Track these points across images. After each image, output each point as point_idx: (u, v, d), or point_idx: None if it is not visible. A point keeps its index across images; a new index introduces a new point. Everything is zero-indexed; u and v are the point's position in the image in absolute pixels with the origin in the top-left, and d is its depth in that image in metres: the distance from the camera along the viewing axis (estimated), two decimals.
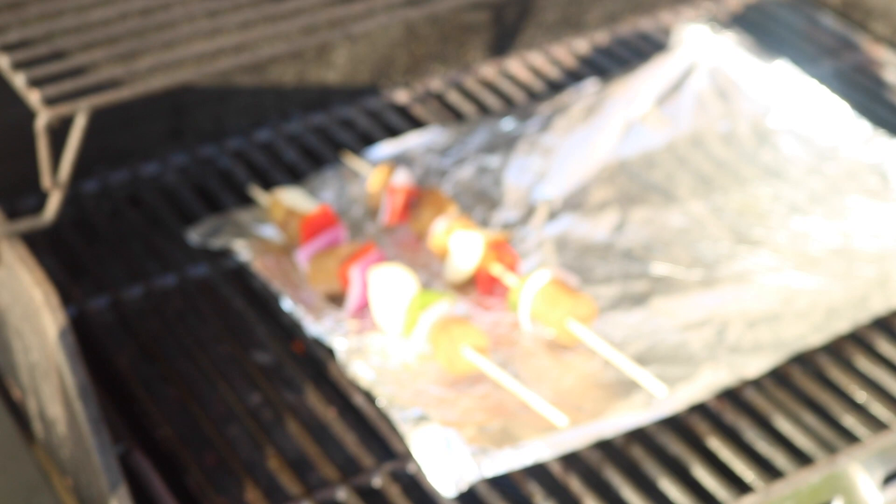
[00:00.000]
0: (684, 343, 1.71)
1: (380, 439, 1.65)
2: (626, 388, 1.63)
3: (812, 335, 1.72)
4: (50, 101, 1.46)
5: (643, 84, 2.16)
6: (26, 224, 1.53)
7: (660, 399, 1.60)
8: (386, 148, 2.07)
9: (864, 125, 2.08)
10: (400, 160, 2.04)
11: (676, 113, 2.14)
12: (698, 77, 2.17)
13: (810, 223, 1.93)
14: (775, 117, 2.13)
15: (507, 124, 2.11)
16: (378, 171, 1.91)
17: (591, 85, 2.20)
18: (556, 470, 1.59)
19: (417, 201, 1.86)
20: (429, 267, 1.85)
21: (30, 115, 1.48)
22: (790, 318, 1.75)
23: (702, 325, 1.73)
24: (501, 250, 1.76)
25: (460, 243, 1.78)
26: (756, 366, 1.67)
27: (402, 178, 1.88)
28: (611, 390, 1.63)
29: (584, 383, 1.65)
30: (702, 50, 2.20)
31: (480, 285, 1.78)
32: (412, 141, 2.09)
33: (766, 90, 2.16)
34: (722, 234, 1.90)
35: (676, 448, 1.62)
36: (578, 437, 1.57)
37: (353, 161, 2.01)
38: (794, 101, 2.14)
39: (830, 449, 1.61)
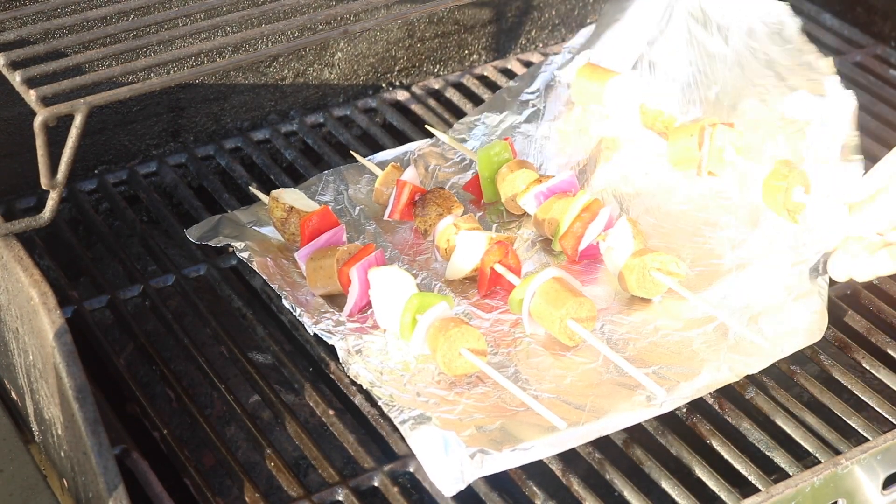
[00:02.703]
0: (686, 341, 1.70)
1: (380, 440, 1.65)
2: (628, 385, 1.62)
3: (812, 327, 1.71)
4: (48, 100, 1.45)
5: (631, 28, 2.15)
6: (24, 224, 1.52)
7: (660, 397, 1.59)
8: (387, 152, 2.07)
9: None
10: (400, 162, 2.04)
11: (668, 52, 2.12)
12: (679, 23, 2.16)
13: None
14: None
15: (501, 118, 2.11)
16: (390, 168, 1.91)
17: (581, 38, 2.19)
18: (557, 470, 1.59)
19: (423, 200, 1.86)
20: (429, 267, 1.84)
21: (27, 115, 1.47)
22: (792, 306, 1.74)
23: (703, 322, 1.73)
24: (505, 251, 1.76)
25: (465, 242, 1.77)
26: (758, 363, 1.66)
27: (410, 175, 1.88)
28: (612, 388, 1.63)
29: (586, 381, 1.64)
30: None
31: (482, 285, 1.77)
32: (413, 145, 2.08)
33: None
34: (723, 219, 1.89)
35: (678, 449, 1.61)
36: (578, 435, 1.57)
37: (360, 159, 2.01)
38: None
39: (833, 451, 1.60)
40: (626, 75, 1.99)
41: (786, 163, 1.75)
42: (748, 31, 2.11)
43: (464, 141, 2.07)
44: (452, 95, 2.29)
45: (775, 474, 1.59)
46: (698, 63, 2.11)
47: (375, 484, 1.59)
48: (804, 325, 1.71)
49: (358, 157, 2.02)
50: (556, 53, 2.39)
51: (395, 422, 1.57)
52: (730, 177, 1.88)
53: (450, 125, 2.19)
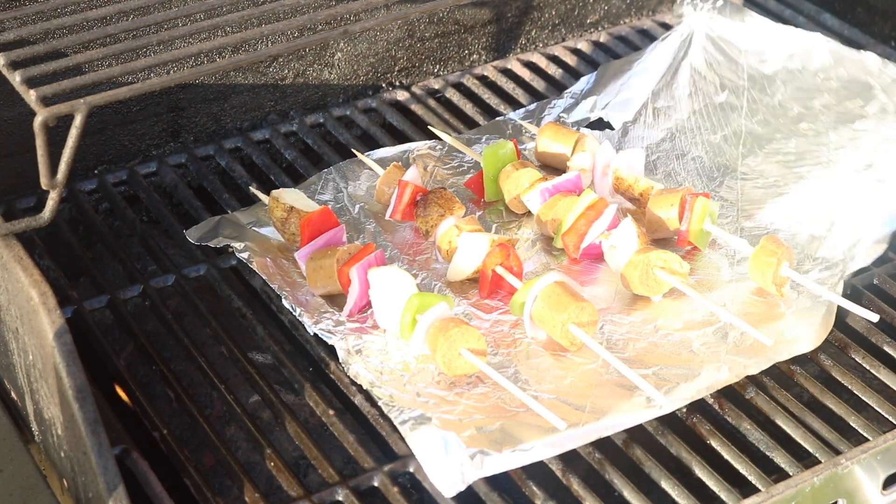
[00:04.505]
0: (685, 342, 1.70)
1: (380, 440, 1.65)
2: (628, 386, 1.62)
3: (812, 335, 1.71)
4: (48, 100, 1.45)
5: (636, 79, 2.16)
6: (24, 224, 1.52)
7: (660, 401, 1.59)
8: (386, 149, 2.07)
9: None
10: (398, 160, 2.04)
11: (673, 102, 2.13)
12: (693, 53, 2.17)
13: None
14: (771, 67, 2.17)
15: (506, 131, 2.11)
16: (392, 168, 1.91)
17: (583, 84, 2.21)
18: (557, 470, 1.59)
19: (425, 200, 1.86)
20: (429, 267, 1.84)
21: (27, 115, 1.47)
22: (791, 318, 1.74)
23: (703, 324, 1.72)
24: (506, 253, 1.76)
25: (467, 244, 1.77)
26: (757, 364, 1.66)
27: (412, 175, 1.88)
28: (612, 389, 1.63)
29: (585, 382, 1.64)
30: (694, 25, 2.21)
31: (483, 287, 1.77)
32: (412, 145, 2.08)
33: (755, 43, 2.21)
34: (721, 239, 1.89)
35: (678, 449, 1.61)
36: (578, 436, 1.57)
37: (361, 157, 2.01)
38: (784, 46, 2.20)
39: (833, 451, 1.60)
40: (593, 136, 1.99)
41: (773, 239, 1.76)
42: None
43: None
44: (452, 95, 2.29)
45: (775, 474, 1.59)
46: (702, 111, 2.12)
47: (375, 484, 1.59)
48: (804, 333, 1.71)
49: (359, 154, 2.02)
50: (555, 54, 2.40)
51: (395, 422, 1.57)
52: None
53: (450, 125, 2.19)
